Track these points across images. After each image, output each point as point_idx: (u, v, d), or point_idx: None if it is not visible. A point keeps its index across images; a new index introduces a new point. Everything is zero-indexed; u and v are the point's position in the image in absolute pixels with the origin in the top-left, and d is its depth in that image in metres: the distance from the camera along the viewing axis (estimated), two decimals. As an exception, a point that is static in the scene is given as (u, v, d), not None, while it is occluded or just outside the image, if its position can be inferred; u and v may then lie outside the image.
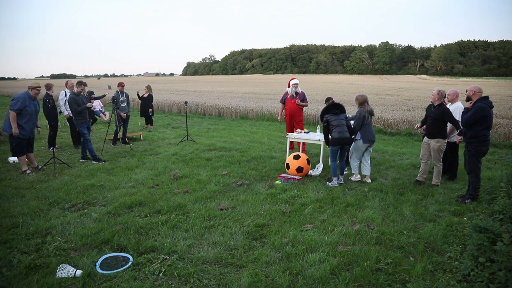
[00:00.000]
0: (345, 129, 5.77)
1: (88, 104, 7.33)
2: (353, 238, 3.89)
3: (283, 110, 8.44)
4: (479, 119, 4.86)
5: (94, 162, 7.23)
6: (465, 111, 5.13)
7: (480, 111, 4.83)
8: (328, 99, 7.68)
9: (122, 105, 9.09)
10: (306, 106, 8.44)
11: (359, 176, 6.12)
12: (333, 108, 6.00)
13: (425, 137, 5.79)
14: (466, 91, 5.16)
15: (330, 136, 5.88)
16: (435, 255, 3.54)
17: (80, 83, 7.38)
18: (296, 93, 8.07)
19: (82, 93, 7.45)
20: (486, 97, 5.00)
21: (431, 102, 5.70)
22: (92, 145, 7.41)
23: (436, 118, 5.52)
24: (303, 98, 8.17)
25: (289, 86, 8.17)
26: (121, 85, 9.28)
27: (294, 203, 4.99)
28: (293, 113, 8.07)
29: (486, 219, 3.75)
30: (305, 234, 3.98)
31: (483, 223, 3.40)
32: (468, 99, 5.11)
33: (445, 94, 5.77)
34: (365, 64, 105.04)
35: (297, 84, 8.11)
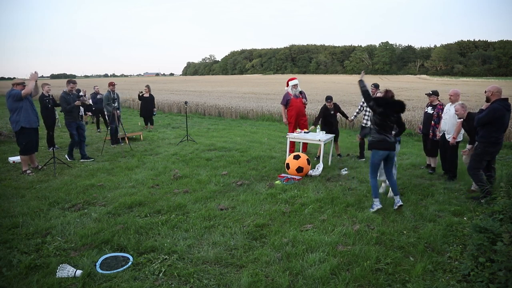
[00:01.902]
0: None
1: (77, 102, 7.40)
2: (353, 238, 3.89)
3: (286, 111, 8.14)
4: (492, 120, 4.79)
5: (69, 159, 7.48)
6: (480, 111, 5.08)
7: (493, 112, 4.77)
8: (328, 98, 7.74)
9: (113, 104, 9.08)
10: (306, 103, 8.36)
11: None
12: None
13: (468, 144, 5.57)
14: (485, 92, 5.07)
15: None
16: (435, 255, 3.54)
17: (70, 82, 7.55)
18: (300, 92, 7.96)
19: (72, 91, 7.58)
20: (505, 99, 4.90)
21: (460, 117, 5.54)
22: (74, 145, 7.59)
23: (471, 129, 5.32)
24: (305, 96, 8.11)
25: (287, 86, 8.03)
26: (112, 85, 9.31)
27: (294, 203, 4.99)
28: (301, 113, 7.95)
29: (486, 219, 3.75)
30: (305, 234, 3.98)
31: (483, 223, 3.40)
32: (488, 100, 5.02)
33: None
34: (365, 64, 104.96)
35: (296, 84, 7.98)
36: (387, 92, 4.75)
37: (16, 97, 6.18)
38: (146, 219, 4.43)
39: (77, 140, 7.48)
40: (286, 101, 7.99)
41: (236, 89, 31.04)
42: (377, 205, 4.74)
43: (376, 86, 7.76)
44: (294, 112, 7.92)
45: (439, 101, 6.64)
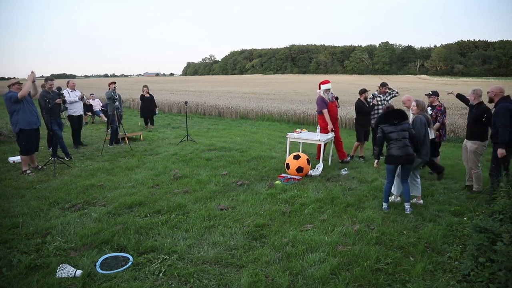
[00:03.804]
0: (407, 143, 4.64)
1: (58, 100, 7.39)
2: (353, 238, 3.89)
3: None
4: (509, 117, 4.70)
5: (67, 159, 7.40)
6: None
7: (505, 110, 4.72)
8: (362, 91, 7.51)
9: (114, 104, 9.09)
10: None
11: (398, 197, 5.19)
12: (393, 116, 4.74)
13: (465, 139, 5.56)
14: (488, 92, 5.06)
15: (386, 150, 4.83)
16: (435, 255, 3.54)
17: (47, 79, 7.53)
18: (335, 98, 7.43)
19: (52, 89, 7.57)
20: (507, 97, 4.88)
21: (470, 103, 5.49)
22: (64, 141, 7.58)
23: (475, 118, 5.25)
24: (337, 99, 7.58)
25: (319, 89, 7.40)
26: (111, 83, 9.32)
27: (294, 203, 4.99)
28: (334, 118, 7.38)
29: (486, 219, 3.74)
30: (305, 234, 3.98)
31: (483, 223, 3.39)
32: (491, 100, 5.03)
33: (481, 93, 5.40)
34: (365, 64, 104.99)
35: (329, 89, 7.34)
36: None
37: (12, 99, 6.18)
38: (146, 219, 4.43)
39: (61, 136, 7.44)
40: (327, 105, 7.31)
41: (236, 89, 31.04)
42: (385, 208, 4.75)
43: (384, 85, 7.67)
44: (333, 119, 7.38)
45: (439, 101, 6.62)
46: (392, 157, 4.68)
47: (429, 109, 6.66)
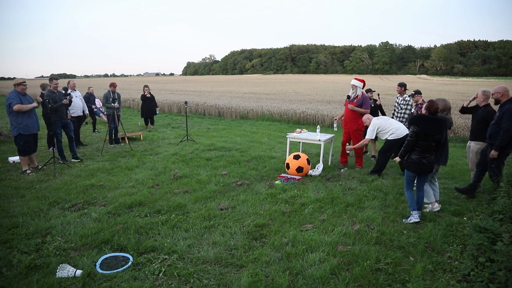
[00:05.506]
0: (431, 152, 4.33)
1: (64, 101, 7.33)
2: (353, 238, 3.88)
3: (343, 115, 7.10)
4: None
5: (61, 162, 7.23)
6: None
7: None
8: (367, 91, 7.40)
9: (113, 104, 9.10)
10: (365, 112, 6.63)
11: (436, 204, 4.75)
12: (438, 125, 4.22)
13: (469, 140, 5.49)
14: (493, 94, 4.94)
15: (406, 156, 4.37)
16: (435, 255, 3.54)
17: (52, 79, 7.40)
18: (349, 96, 6.79)
19: (57, 89, 7.49)
20: None
21: (477, 103, 5.36)
22: (62, 145, 7.43)
23: (481, 119, 5.16)
24: (361, 102, 6.65)
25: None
26: (113, 85, 9.37)
27: (294, 203, 4.98)
28: (348, 119, 6.78)
29: (486, 219, 3.74)
30: (305, 234, 3.98)
31: (483, 223, 3.39)
32: (497, 102, 4.91)
33: (490, 95, 5.23)
34: (365, 64, 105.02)
35: (354, 85, 6.68)
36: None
37: (12, 104, 6.20)
38: (146, 219, 4.43)
39: (60, 140, 7.38)
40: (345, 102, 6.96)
41: (236, 89, 31.04)
42: (416, 217, 4.33)
43: (402, 85, 7.46)
44: (344, 117, 6.94)
45: (423, 100, 6.73)
46: (418, 165, 4.27)
47: (413, 107, 6.79)
